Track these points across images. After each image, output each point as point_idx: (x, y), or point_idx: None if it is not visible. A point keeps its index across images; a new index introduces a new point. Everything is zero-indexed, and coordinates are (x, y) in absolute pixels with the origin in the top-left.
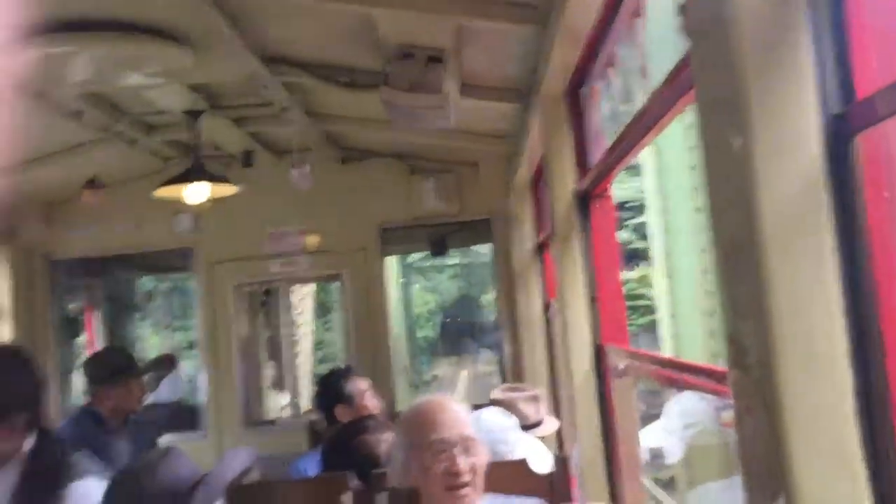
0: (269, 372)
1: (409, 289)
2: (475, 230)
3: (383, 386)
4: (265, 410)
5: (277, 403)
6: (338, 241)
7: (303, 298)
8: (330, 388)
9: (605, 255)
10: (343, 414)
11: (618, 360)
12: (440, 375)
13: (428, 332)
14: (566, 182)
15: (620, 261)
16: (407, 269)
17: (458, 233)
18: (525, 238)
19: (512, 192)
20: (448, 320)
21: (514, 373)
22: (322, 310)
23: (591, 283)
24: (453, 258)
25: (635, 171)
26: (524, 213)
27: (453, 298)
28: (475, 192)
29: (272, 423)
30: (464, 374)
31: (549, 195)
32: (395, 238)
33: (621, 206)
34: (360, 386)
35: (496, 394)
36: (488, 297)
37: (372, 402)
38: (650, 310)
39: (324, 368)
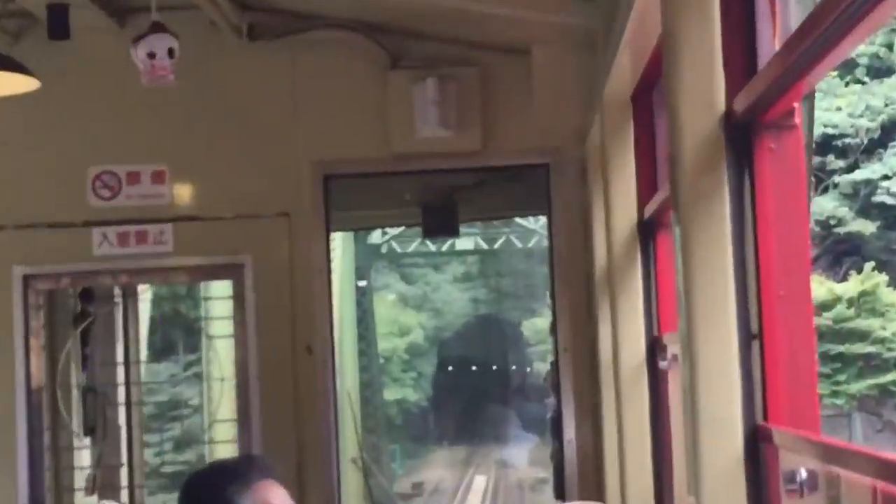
0: (85, 457)
1: (371, 299)
2: (514, 189)
3: (313, 497)
4: None
5: None
6: (235, 197)
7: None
8: (212, 494)
9: (782, 246)
10: None
11: (795, 459)
12: (426, 483)
13: (408, 390)
14: (708, 94)
15: (811, 258)
16: (369, 257)
17: (478, 192)
18: (618, 209)
19: (595, 114)
20: (451, 368)
21: (584, 480)
22: (190, 340)
23: (749, 302)
24: (466, 241)
25: (849, 71)
26: (618, 158)
27: (464, 323)
28: (518, 112)
29: None
30: (480, 482)
31: (672, 122)
32: (350, 196)
33: (822, 145)
34: (266, 498)
35: None
36: (536, 324)
37: None
38: (880, 361)
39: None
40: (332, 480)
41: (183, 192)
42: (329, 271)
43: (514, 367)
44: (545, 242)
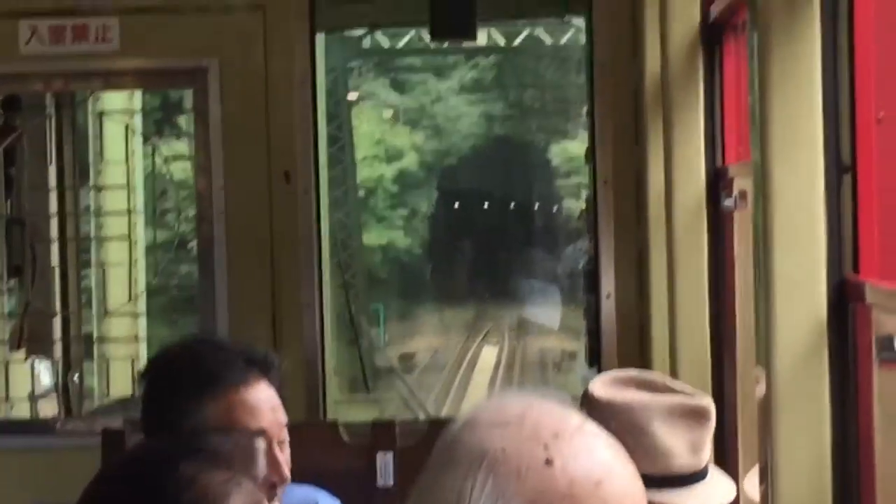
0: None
1: (347, 111)
2: None
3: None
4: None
5: (30, 384)
6: None
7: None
8: (170, 389)
9: (884, 58)
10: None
11: (892, 321)
12: (418, 355)
13: (397, 232)
14: None
15: None
16: (346, 54)
17: None
18: (676, 6)
19: None
20: (455, 205)
21: (625, 344)
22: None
23: (840, 127)
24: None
25: None
26: None
27: (473, 146)
28: None
29: (17, 429)
30: (489, 355)
31: None
32: None
33: None
34: (249, 422)
35: (600, 390)
36: (567, 150)
37: (272, 418)
38: None
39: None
40: (315, 344)
41: None
42: (314, 82)
43: (537, 205)
44: (582, 39)
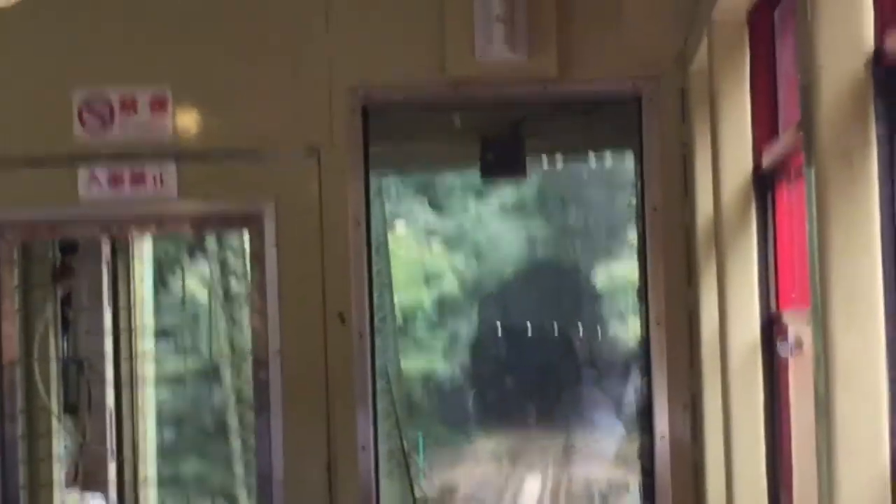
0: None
1: (384, 232)
2: (595, 123)
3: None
4: None
5: None
6: (253, 130)
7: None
8: None
9: None
10: None
11: None
12: (459, 486)
13: (436, 359)
14: (854, 27)
15: None
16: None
17: (551, 126)
18: (728, 153)
19: (702, 35)
20: (496, 331)
21: (679, 487)
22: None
23: None
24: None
25: None
26: (729, 90)
27: (515, 269)
28: (603, 30)
29: None
30: (533, 487)
31: (805, 56)
32: (393, 130)
33: None
34: None
35: None
36: (613, 272)
37: None
38: None
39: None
40: (370, 487)
41: (189, 124)
42: (368, 222)
43: (582, 331)
44: (632, 186)
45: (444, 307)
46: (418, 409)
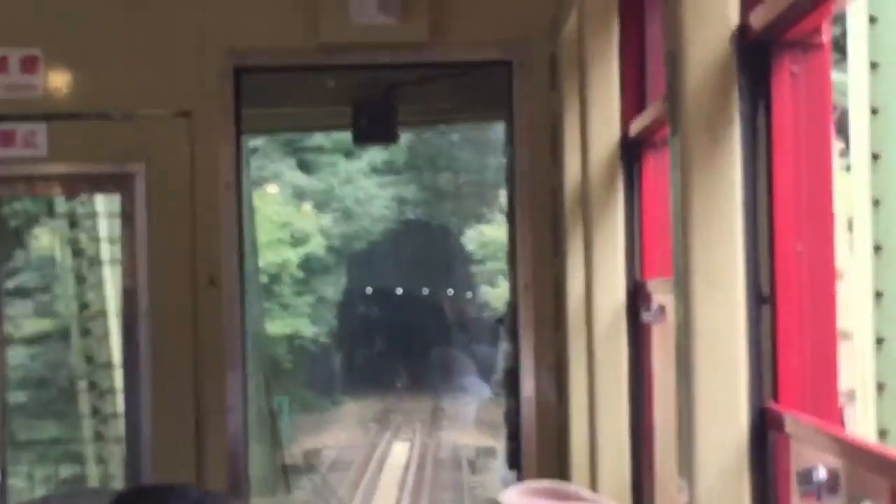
0: None
1: (249, 193)
2: (466, 89)
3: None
4: None
5: None
6: (125, 91)
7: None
8: None
9: (802, 191)
10: None
11: (811, 454)
12: (325, 452)
13: (303, 320)
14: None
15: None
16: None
17: (423, 91)
18: (597, 122)
19: (572, 3)
20: (365, 292)
21: (545, 448)
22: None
23: (759, 258)
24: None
25: None
26: (599, 59)
27: (384, 230)
28: None
29: None
30: (400, 453)
31: (671, 31)
32: (265, 93)
33: None
34: None
35: (511, 498)
36: (484, 234)
37: None
38: None
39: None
40: (239, 447)
41: (60, 84)
42: (240, 185)
43: (451, 293)
44: (503, 156)
45: (312, 269)
46: (283, 374)
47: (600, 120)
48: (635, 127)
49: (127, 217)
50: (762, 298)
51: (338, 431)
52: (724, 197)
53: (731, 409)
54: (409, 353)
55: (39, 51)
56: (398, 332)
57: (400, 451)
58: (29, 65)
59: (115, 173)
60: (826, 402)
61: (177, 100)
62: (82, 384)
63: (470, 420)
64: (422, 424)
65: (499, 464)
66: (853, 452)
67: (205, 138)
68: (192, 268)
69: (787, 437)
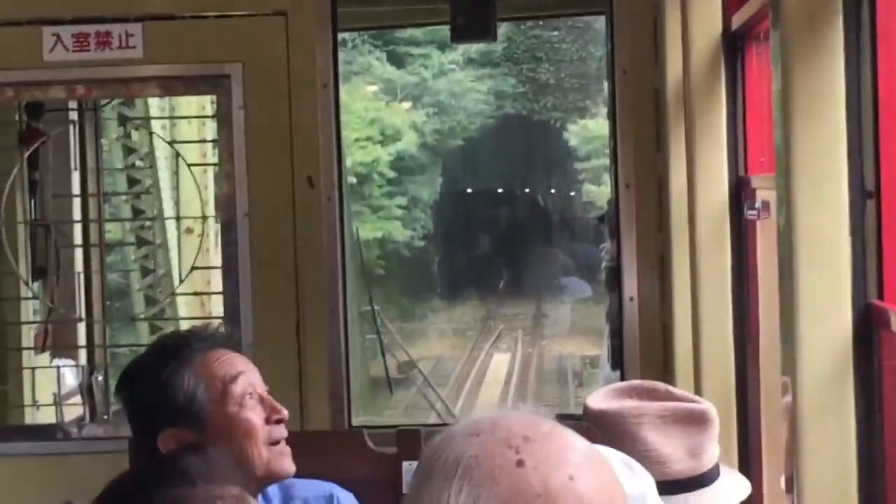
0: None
1: (336, 87)
2: None
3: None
4: (21, 403)
5: (53, 387)
6: None
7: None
8: (145, 385)
9: None
10: (180, 442)
11: None
12: (421, 363)
13: (395, 224)
14: None
15: None
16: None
17: None
18: (698, 13)
19: None
20: (462, 192)
21: (648, 349)
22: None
23: (864, 151)
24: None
25: None
26: None
27: (481, 126)
28: None
29: (42, 433)
30: (500, 364)
31: None
32: None
33: None
34: (227, 369)
35: (596, 401)
36: (588, 129)
37: (251, 414)
38: None
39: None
40: (339, 352)
41: None
42: (337, 85)
43: (553, 192)
44: (603, 51)
45: (404, 168)
46: (376, 280)
47: (702, 12)
48: (737, 19)
49: (224, 118)
50: (866, 193)
51: (434, 342)
52: (827, 90)
53: (835, 307)
54: (510, 256)
55: None
56: (498, 233)
57: (501, 363)
58: None
59: (210, 74)
60: None
61: None
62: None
63: (575, 326)
64: (523, 332)
65: (604, 368)
66: None
67: (301, 37)
68: (291, 168)
69: (892, 333)
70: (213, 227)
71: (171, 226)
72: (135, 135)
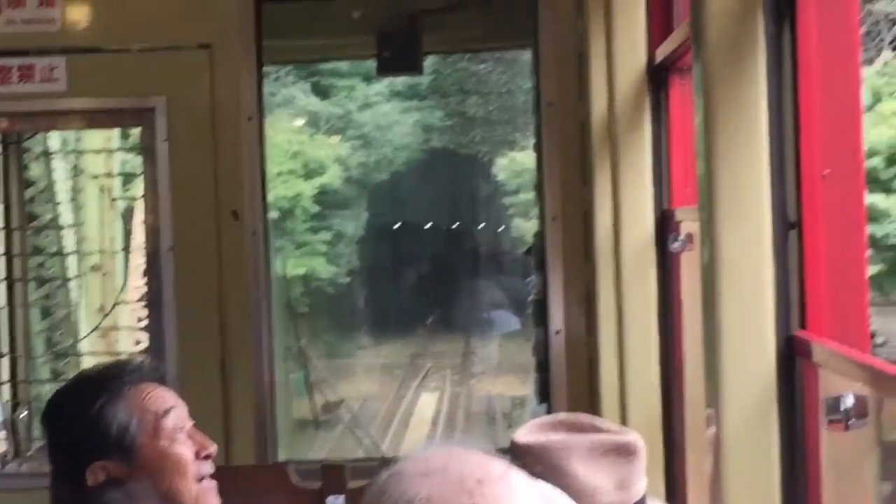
0: None
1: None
2: (491, 16)
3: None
4: None
5: None
6: (144, 24)
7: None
8: (75, 417)
9: (828, 113)
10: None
11: (839, 382)
12: (345, 402)
13: (319, 260)
14: None
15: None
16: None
17: (447, 19)
18: (623, 47)
19: None
20: (387, 227)
21: (574, 381)
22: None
23: (786, 182)
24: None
25: None
26: None
27: (408, 159)
28: None
29: None
30: (427, 404)
31: None
32: (287, 23)
33: None
34: (159, 403)
35: (524, 435)
36: (516, 161)
37: (182, 449)
38: None
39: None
40: (265, 385)
41: (79, 17)
42: (262, 118)
43: (481, 227)
44: (529, 82)
45: (328, 202)
46: (300, 318)
47: (626, 46)
48: (661, 51)
49: (148, 151)
50: (789, 224)
51: (360, 380)
52: (749, 121)
53: (759, 338)
54: (438, 292)
55: None
56: (426, 269)
57: (428, 403)
58: (42, 5)
59: (135, 107)
60: (854, 329)
61: (197, 32)
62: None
63: (504, 364)
64: (451, 370)
65: (531, 402)
66: (882, 379)
67: (226, 70)
68: (215, 202)
69: (814, 364)
70: (121, 263)
71: (74, 263)
72: (33, 167)
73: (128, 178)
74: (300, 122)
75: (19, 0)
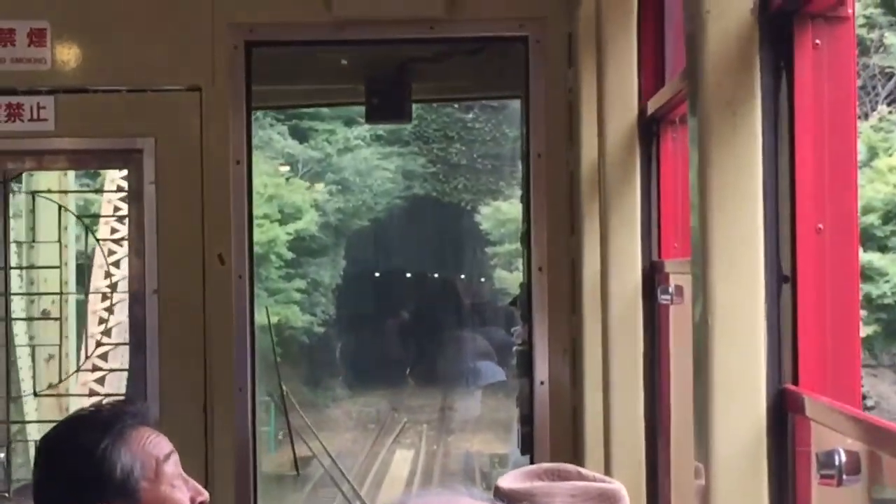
0: None
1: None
2: (481, 66)
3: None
4: None
5: None
6: (134, 66)
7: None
8: (77, 458)
9: (823, 168)
10: None
11: (831, 437)
12: (316, 459)
13: (293, 308)
14: None
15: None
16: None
17: (437, 68)
18: (614, 99)
19: None
20: (366, 276)
21: (558, 433)
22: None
23: (780, 236)
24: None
25: None
26: (616, 35)
27: (388, 206)
28: None
29: None
30: (402, 463)
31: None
32: (276, 68)
33: None
34: (159, 449)
35: (508, 482)
36: (501, 211)
37: (180, 495)
38: None
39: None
40: (247, 429)
41: (68, 57)
42: (250, 162)
43: (462, 278)
44: (517, 131)
45: (304, 249)
46: (272, 368)
47: (617, 97)
48: (653, 104)
49: (135, 193)
50: (783, 278)
51: (333, 434)
52: (744, 174)
53: (750, 391)
54: (416, 344)
55: (47, 23)
56: (404, 320)
57: (403, 460)
58: (37, 37)
59: (123, 149)
60: (847, 384)
61: (186, 75)
62: None
63: (483, 420)
64: (428, 426)
65: (513, 453)
66: (875, 435)
67: (215, 114)
68: (201, 245)
69: (806, 419)
70: (73, 306)
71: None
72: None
73: (93, 220)
74: (285, 167)
75: (9, 39)
